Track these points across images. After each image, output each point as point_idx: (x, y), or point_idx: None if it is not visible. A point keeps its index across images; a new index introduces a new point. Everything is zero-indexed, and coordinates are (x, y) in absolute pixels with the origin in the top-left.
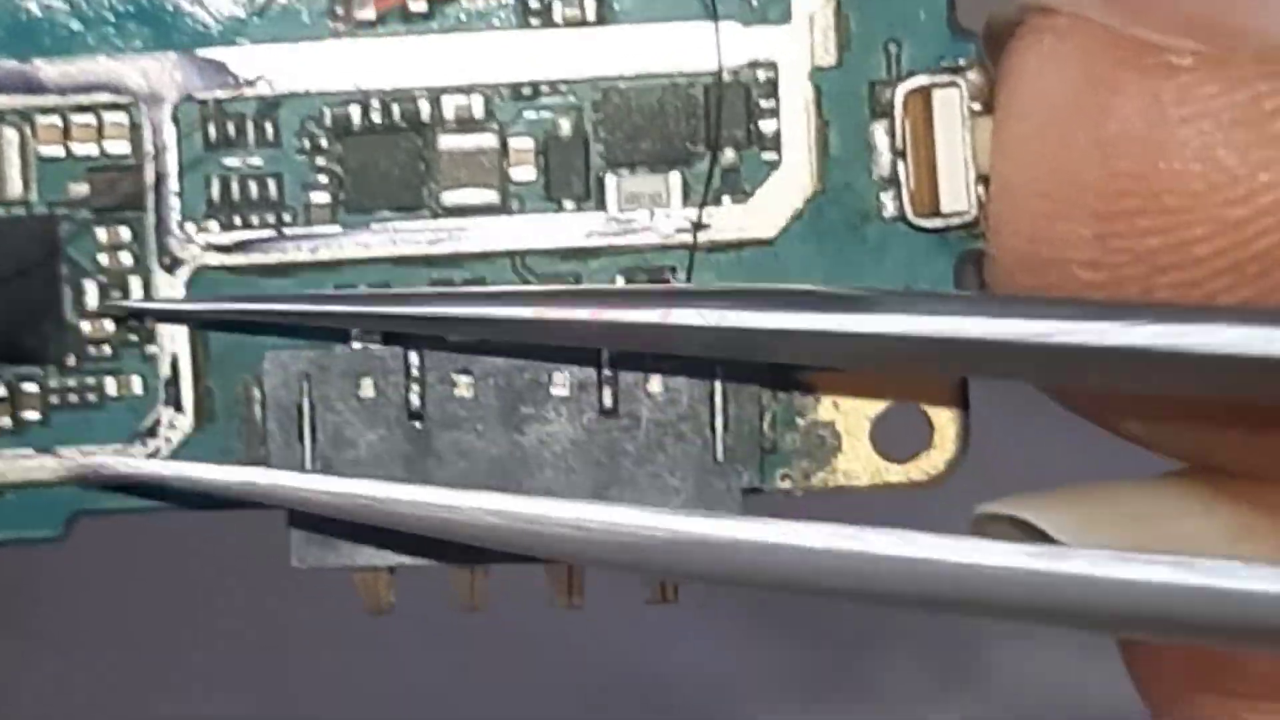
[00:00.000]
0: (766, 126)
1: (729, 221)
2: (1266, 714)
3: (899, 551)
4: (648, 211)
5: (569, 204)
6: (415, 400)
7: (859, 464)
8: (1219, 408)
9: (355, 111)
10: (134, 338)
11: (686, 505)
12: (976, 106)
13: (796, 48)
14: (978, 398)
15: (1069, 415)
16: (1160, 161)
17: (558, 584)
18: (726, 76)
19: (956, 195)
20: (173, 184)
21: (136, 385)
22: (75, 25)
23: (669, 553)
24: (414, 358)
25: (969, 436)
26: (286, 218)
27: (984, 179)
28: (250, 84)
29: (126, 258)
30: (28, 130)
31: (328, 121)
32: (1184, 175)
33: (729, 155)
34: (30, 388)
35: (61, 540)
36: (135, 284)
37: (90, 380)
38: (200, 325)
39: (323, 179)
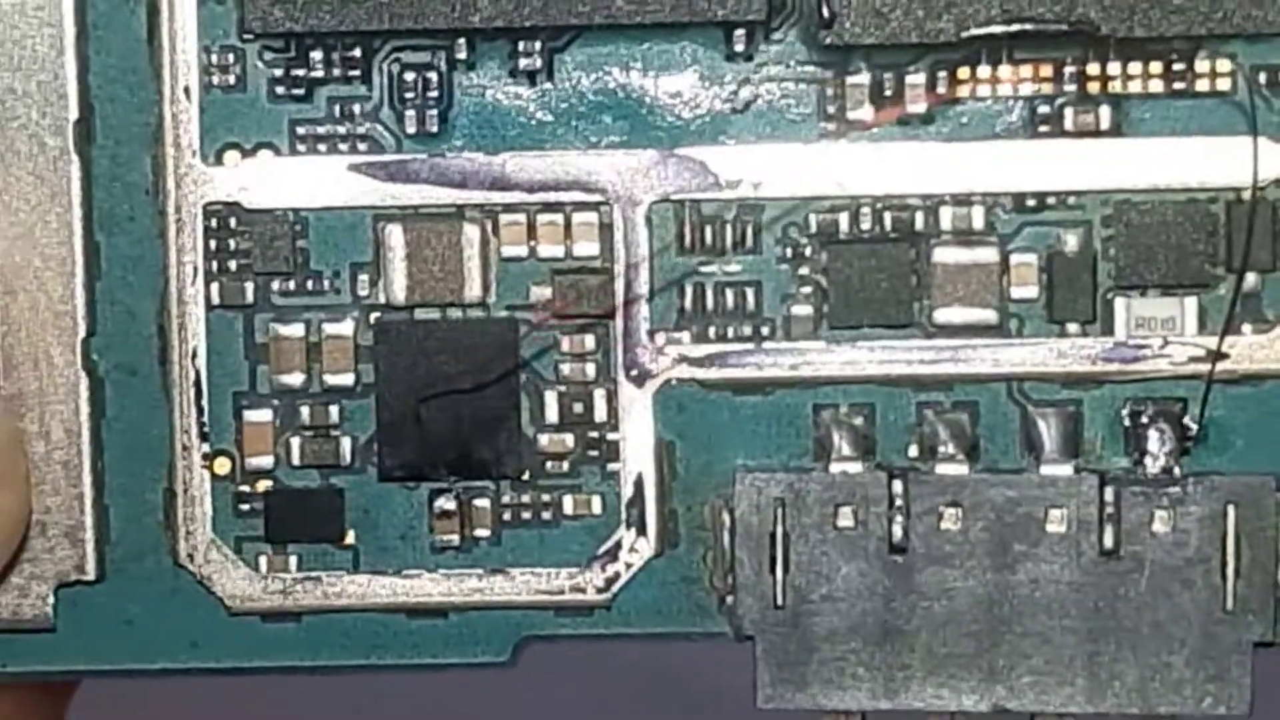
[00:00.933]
0: None
1: (1249, 352)
2: None
3: None
4: (1160, 338)
5: (1073, 327)
6: (898, 532)
7: None
8: None
9: (844, 219)
10: (595, 453)
11: (1191, 658)
12: None
13: None
14: None
15: None
16: None
17: None
18: (1255, 194)
19: None
20: (643, 290)
21: (596, 505)
22: (546, 117)
23: None
24: (898, 485)
25: None
26: (764, 330)
27: None
28: (731, 186)
29: (590, 369)
30: (490, 228)
31: (813, 228)
32: None
33: (1251, 279)
34: (482, 503)
35: (510, 665)
36: (599, 396)
37: (546, 498)
38: None
39: (806, 290)
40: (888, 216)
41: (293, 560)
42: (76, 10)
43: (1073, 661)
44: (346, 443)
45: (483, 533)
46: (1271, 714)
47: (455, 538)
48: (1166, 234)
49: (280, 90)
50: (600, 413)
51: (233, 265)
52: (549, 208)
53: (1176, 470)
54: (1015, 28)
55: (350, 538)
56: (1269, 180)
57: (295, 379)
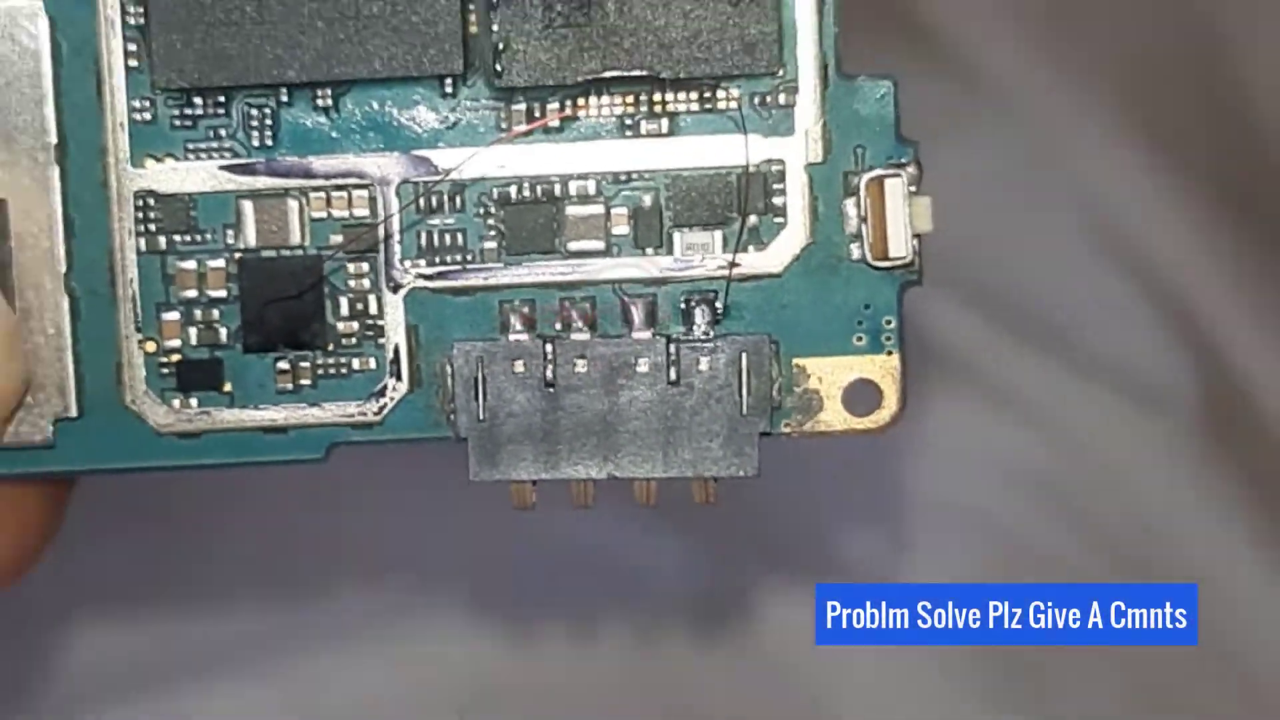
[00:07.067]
0: (777, 201)
1: (753, 263)
2: None
3: None
4: (700, 256)
5: (650, 250)
6: (550, 374)
7: (834, 417)
8: None
9: (513, 190)
10: (371, 334)
11: (724, 444)
12: (912, 189)
13: (797, 151)
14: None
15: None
16: None
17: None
18: (751, 169)
19: (899, 246)
20: (396, 236)
21: (373, 364)
22: (334, 134)
23: None
24: (549, 347)
25: (905, 402)
26: (469, 258)
27: (917, 236)
28: (446, 172)
29: (366, 283)
30: (304, 201)
31: (495, 197)
32: None
33: (752, 220)
34: (305, 365)
35: (322, 462)
36: (372, 300)
37: (343, 360)
38: None
39: (492, 233)
40: (539, 188)
41: (193, 401)
42: (54, 76)
43: (654, 448)
44: (224, 331)
45: (305, 382)
46: (774, 478)
47: (290, 385)
48: (704, 194)
49: (177, 123)
50: (374, 309)
51: (151, 227)
52: (339, 188)
53: (711, 334)
54: (611, 74)
55: (228, 387)
56: (759, 161)
57: (192, 293)
